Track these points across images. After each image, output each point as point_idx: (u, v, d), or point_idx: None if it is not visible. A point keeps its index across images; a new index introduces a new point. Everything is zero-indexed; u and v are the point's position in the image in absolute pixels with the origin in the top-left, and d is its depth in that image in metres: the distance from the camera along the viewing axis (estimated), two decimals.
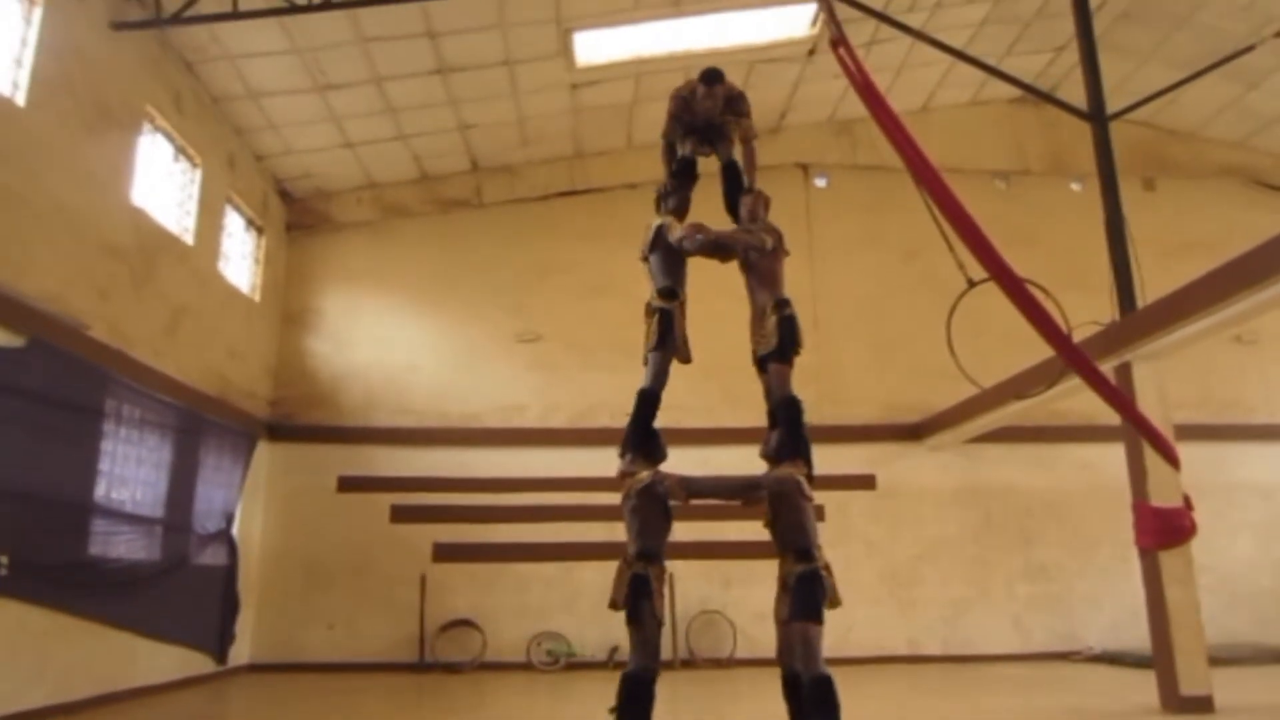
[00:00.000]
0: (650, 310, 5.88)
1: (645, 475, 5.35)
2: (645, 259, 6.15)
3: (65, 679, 9.20)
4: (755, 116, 6.64)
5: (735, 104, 6.52)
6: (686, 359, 5.89)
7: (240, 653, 13.32)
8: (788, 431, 5.56)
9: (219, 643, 12.59)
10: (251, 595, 13.69)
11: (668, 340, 5.76)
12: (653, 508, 5.26)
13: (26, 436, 8.66)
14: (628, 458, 5.54)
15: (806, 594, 5.01)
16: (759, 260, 6.04)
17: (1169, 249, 12.78)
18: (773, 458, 5.64)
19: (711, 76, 6.37)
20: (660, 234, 6.04)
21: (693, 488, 5.39)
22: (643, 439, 5.61)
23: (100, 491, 10.10)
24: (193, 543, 11.95)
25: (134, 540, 10.72)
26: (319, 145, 14.55)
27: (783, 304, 5.85)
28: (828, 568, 5.13)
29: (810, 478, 5.41)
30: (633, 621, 5.02)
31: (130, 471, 10.74)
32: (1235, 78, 14.84)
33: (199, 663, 12.10)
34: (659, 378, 5.76)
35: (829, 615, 5.05)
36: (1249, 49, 12.10)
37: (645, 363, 5.81)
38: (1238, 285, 8.07)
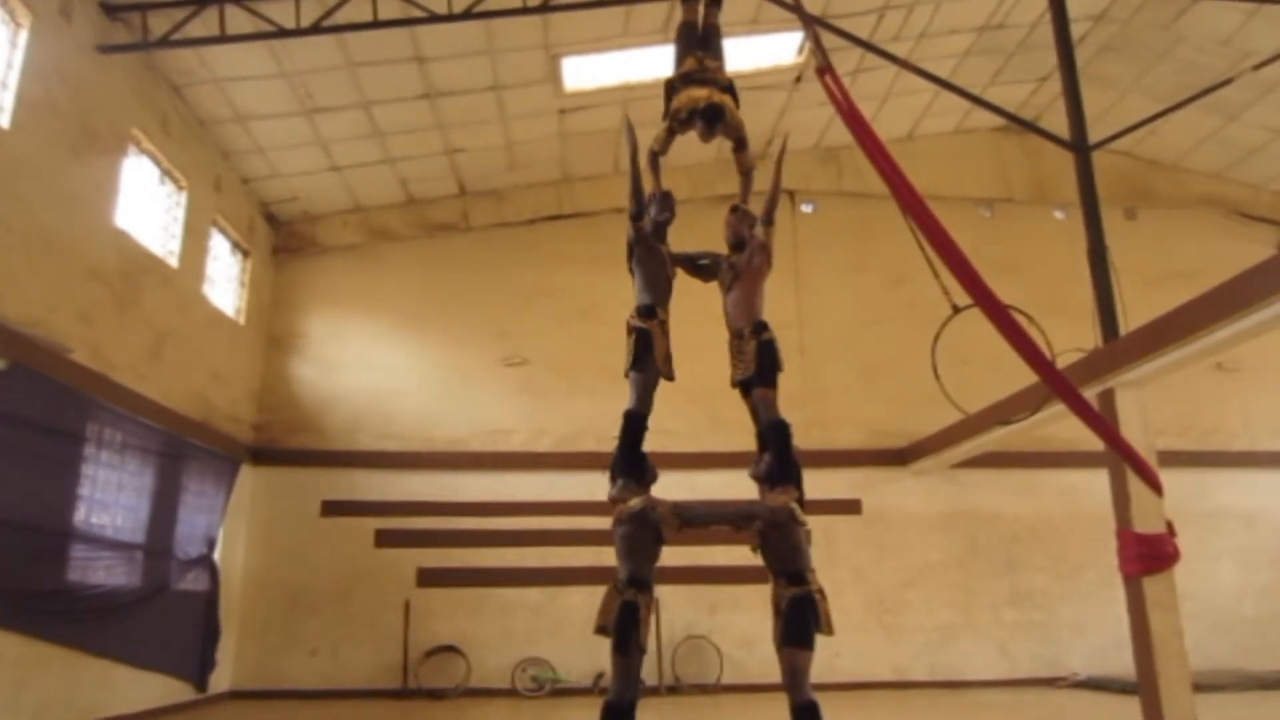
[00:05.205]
0: (629, 329, 5.88)
1: (637, 501, 5.31)
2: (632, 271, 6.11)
3: (43, 708, 9.07)
4: None
5: (732, 133, 6.27)
6: (670, 376, 5.87)
7: (221, 680, 13.13)
8: (777, 456, 5.57)
9: (199, 670, 12.42)
10: (233, 621, 13.52)
11: (645, 360, 5.75)
12: (644, 534, 5.23)
13: (6, 461, 8.57)
14: (619, 483, 5.50)
15: (798, 618, 5.00)
16: (739, 281, 6.09)
17: (1150, 277, 12.85)
18: (763, 481, 5.64)
19: (712, 116, 6.09)
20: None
21: (686, 515, 5.33)
22: (632, 462, 5.58)
23: (80, 517, 9.99)
24: (173, 568, 11.82)
25: (114, 566, 10.61)
26: (306, 169, 14.54)
27: (760, 328, 5.87)
28: (821, 592, 5.12)
29: (801, 501, 5.41)
30: (618, 650, 5.00)
31: (111, 496, 10.63)
32: (1215, 110, 15.04)
33: (179, 690, 11.93)
34: (643, 399, 5.73)
35: (817, 641, 5.04)
36: (1227, 82, 12.26)
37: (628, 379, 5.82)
38: (1218, 314, 8.15)
